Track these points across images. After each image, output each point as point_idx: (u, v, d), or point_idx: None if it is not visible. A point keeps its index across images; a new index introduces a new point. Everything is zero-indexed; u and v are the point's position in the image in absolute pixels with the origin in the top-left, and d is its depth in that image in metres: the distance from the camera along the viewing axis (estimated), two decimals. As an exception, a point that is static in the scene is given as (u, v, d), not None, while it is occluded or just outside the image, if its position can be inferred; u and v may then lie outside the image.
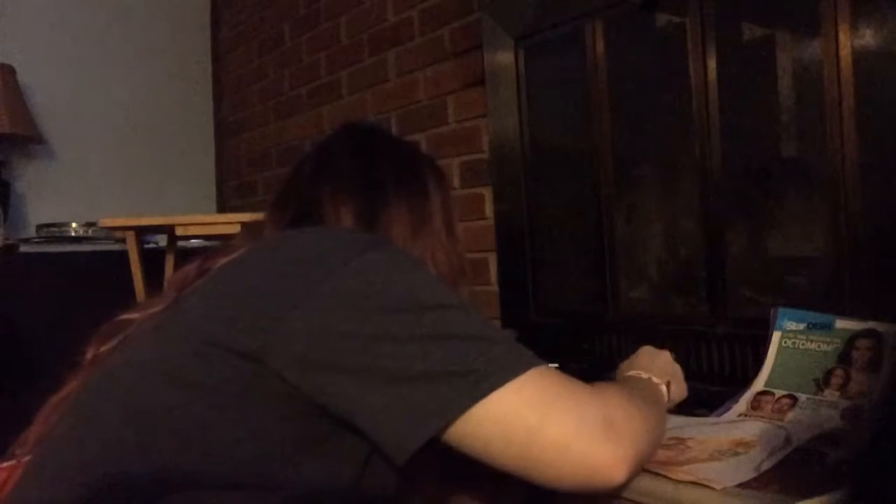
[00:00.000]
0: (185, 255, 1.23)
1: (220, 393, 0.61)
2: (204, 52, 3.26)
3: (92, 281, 2.30)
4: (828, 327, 0.94)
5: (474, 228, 1.84)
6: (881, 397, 0.84)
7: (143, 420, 0.62)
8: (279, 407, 0.61)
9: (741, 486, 0.71)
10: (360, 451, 0.64)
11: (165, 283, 0.76)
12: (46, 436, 0.69)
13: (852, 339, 0.91)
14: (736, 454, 0.81)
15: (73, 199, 2.79)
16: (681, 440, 0.86)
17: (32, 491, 0.65)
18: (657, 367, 0.89)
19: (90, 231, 2.61)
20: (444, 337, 0.61)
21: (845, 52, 1.07)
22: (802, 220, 1.22)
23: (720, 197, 1.25)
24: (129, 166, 2.99)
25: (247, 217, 1.75)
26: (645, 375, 0.86)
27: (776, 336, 0.99)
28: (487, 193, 1.81)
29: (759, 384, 0.98)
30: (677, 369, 0.95)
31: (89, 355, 0.73)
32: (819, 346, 0.94)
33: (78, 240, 2.64)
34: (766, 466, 0.75)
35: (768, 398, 0.95)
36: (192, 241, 2.36)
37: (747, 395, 0.97)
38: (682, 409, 0.95)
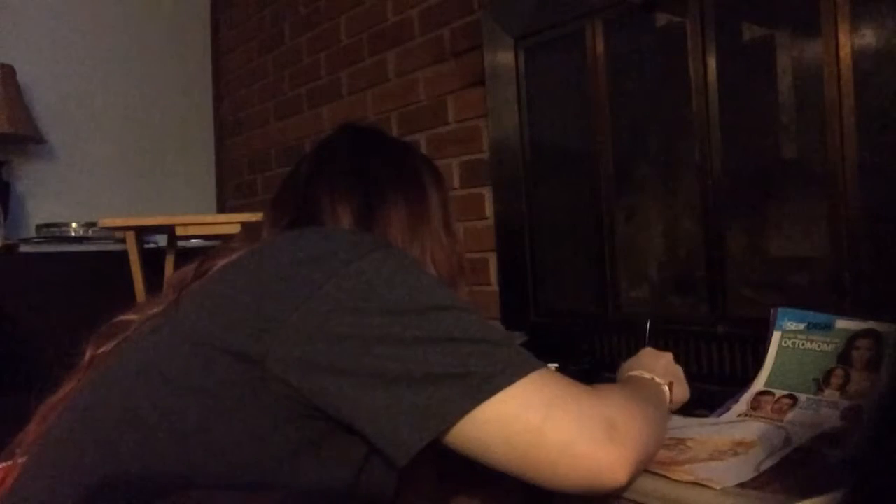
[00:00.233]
0: (185, 255, 1.23)
1: (220, 395, 0.61)
2: (204, 52, 3.26)
3: (92, 281, 2.31)
4: (828, 327, 0.94)
5: (474, 228, 1.84)
6: (881, 397, 0.84)
7: (142, 421, 0.62)
8: (279, 408, 0.61)
9: (741, 486, 0.71)
10: (358, 452, 0.64)
11: (164, 285, 0.76)
12: (44, 436, 0.69)
13: (852, 339, 0.91)
14: (736, 454, 0.81)
15: (73, 199, 2.79)
16: (681, 440, 0.86)
17: (29, 491, 0.65)
18: (660, 368, 0.89)
19: (90, 231, 2.61)
20: (446, 339, 0.61)
21: (845, 52, 1.07)
22: (802, 220, 1.22)
23: (720, 197, 1.25)
24: (129, 166, 2.99)
25: (247, 217, 1.76)
26: (648, 375, 0.86)
27: (776, 336, 0.99)
28: (487, 193, 1.81)
29: (759, 384, 0.98)
30: (679, 371, 0.95)
31: (87, 356, 0.73)
32: (819, 346, 0.94)
33: (78, 240, 2.63)
34: (766, 466, 0.75)
35: (768, 398, 0.95)
36: (192, 241, 2.36)
37: (747, 395, 0.97)
38: (682, 409, 0.95)
